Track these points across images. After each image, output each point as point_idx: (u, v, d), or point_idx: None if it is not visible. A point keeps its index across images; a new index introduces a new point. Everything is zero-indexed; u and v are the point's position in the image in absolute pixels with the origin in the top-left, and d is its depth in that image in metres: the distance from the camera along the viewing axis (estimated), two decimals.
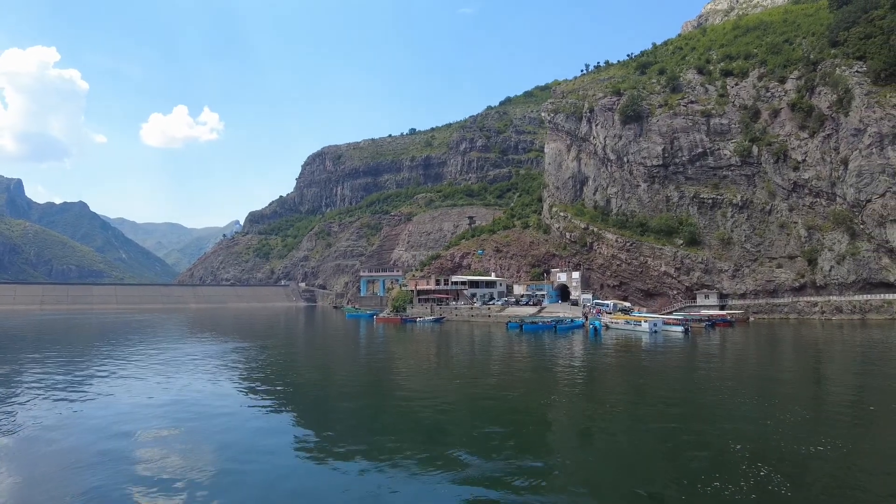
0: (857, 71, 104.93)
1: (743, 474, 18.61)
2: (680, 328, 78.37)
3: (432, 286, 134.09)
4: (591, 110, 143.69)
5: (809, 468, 19.97)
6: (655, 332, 77.77)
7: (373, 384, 42.17)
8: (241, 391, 37.28)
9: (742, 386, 37.81)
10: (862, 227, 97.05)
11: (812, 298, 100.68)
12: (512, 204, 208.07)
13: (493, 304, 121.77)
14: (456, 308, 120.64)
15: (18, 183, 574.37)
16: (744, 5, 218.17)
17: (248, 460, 21.37)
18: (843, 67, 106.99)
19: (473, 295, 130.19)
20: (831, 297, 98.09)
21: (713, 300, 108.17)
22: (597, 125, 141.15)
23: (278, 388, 39.08)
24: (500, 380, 42.51)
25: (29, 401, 32.81)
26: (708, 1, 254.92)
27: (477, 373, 46.33)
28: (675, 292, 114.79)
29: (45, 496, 17.54)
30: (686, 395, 35.54)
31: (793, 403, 30.96)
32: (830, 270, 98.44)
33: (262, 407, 32.08)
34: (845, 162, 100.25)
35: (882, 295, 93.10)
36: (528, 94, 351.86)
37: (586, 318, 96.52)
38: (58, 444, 23.76)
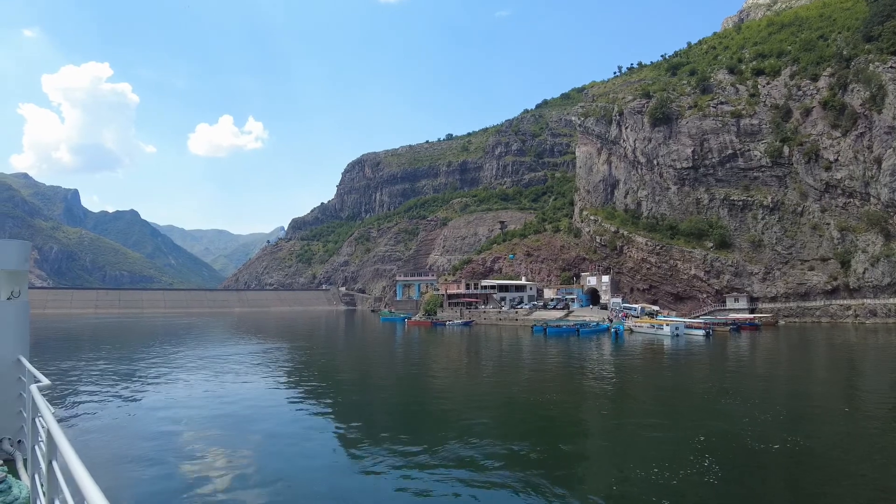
0: (891, 66, 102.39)
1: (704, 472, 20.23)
2: (701, 332, 78.60)
3: (462, 290, 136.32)
4: (621, 113, 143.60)
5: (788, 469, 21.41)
6: (677, 335, 78.16)
7: (398, 384, 44.56)
8: (281, 390, 39.63)
9: (737, 390, 38.79)
10: None
11: (845, 301, 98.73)
12: (546, 207, 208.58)
13: (521, 307, 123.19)
14: (484, 311, 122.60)
15: (75, 193, 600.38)
16: None
17: (286, 454, 22.96)
18: (877, 63, 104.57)
19: (503, 299, 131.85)
20: (865, 300, 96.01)
21: (743, 303, 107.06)
22: (626, 128, 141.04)
23: (317, 387, 41.41)
24: (506, 378, 44.35)
25: (85, 395, 35.53)
26: None
27: (490, 372, 48.33)
28: (705, 296, 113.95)
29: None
30: (668, 398, 36.80)
31: (775, 404, 32.02)
32: (864, 273, 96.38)
33: (302, 407, 33.65)
34: (879, 161, 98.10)
35: None
36: (564, 97, 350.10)
37: (611, 321, 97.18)
38: (108, 438, 25.68)
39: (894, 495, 18.16)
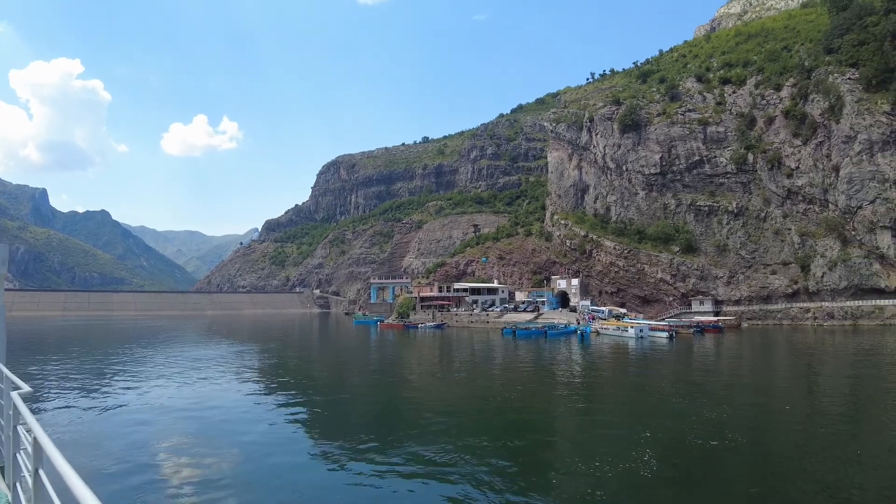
0: (849, 78, 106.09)
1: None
2: (665, 334, 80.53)
3: (435, 293, 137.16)
4: (591, 119, 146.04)
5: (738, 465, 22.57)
6: (641, 337, 79.99)
7: (369, 386, 44.99)
8: (253, 393, 39.74)
9: (689, 391, 40.19)
10: (853, 233, 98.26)
11: (805, 304, 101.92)
12: (520, 211, 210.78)
13: (493, 310, 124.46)
14: (456, 314, 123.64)
15: (43, 192, 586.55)
16: (756, 8, 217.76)
17: (259, 459, 23.05)
18: (836, 74, 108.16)
19: (475, 301, 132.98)
20: (823, 303, 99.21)
21: (708, 306, 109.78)
22: (597, 134, 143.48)
23: (288, 390, 41.29)
24: (472, 380, 45.27)
25: (53, 401, 34.96)
26: (722, 4, 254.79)
27: (457, 374, 49.21)
28: (672, 299, 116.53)
29: None
30: (623, 398, 38.04)
31: (722, 404, 33.38)
32: (823, 277, 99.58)
33: (273, 409, 33.64)
34: (836, 169, 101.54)
35: (873, 301, 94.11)
36: (539, 102, 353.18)
37: (579, 323, 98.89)
38: (81, 445, 25.28)
39: (818, 490, 19.40)
